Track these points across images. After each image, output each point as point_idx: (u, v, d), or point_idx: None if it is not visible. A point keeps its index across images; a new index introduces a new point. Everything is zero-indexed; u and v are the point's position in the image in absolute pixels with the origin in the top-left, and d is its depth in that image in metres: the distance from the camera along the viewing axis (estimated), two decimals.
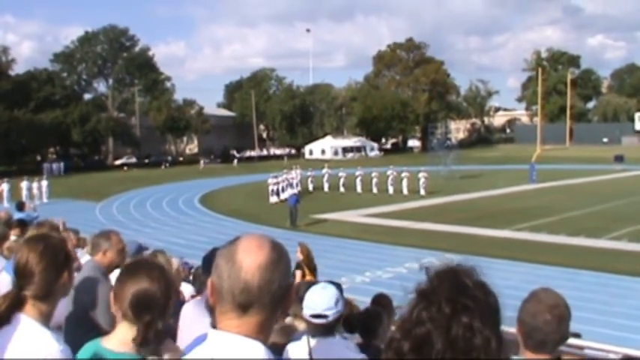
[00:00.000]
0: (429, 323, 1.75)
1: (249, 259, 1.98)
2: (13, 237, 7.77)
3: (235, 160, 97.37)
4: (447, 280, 1.82)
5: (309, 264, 12.68)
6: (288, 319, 4.68)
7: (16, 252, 3.27)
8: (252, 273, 1.96)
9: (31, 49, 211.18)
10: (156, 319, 2.86)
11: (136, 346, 2.83)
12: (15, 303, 3.00)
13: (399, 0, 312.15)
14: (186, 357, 2.18)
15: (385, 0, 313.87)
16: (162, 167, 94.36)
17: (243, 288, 1.96)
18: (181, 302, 4.92)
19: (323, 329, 3.81)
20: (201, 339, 2.11)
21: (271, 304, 2.00)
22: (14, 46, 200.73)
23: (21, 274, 3.09)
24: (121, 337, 2.88)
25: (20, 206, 17.48)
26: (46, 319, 3.05)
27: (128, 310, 2.87)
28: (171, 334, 3.20)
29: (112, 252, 5.44)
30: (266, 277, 1.97)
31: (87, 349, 2.94)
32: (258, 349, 1.98)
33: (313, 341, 3.76)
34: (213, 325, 2.07)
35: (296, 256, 12.24)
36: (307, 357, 3.65)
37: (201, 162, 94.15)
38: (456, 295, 1.76)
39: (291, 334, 4.12)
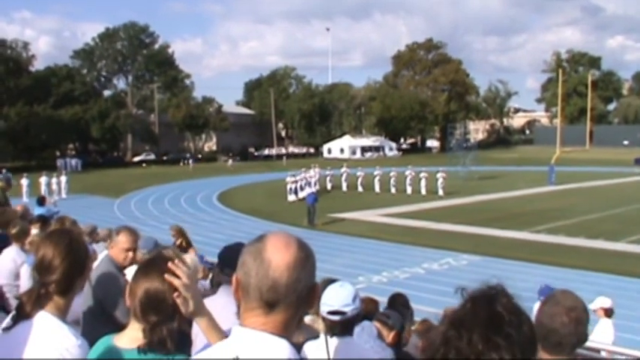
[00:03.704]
0: (455, 355, 1.72)
1: (278, 258, 1.99)
2: (34, 231, 7.83)
3: (230, 161, 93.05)
4: (482, 310, 1.77)
5: (188, 241, 12.68)
6: (307, 318, 4.68)
7: (39, 247, 3.27)
8: (280, 271, 1.98)
9: (48, 44, 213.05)
10: (163, 321, 2.82)
11: (142, 348, 2.82)
12: (39, 300, 3.02)
13: None
14: (209, 351, 2.19)
15: None
16: (182, 164, 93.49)
17: (271, 286, 1.97)
18: None
19: (341, 327, 3.81)
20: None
21: (297, 302, 2.02)
22: (32, 42, 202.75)
23: (45, 270, 3.09)
24: (132, 334, 2.87)
25: (41, 201, 17.59)
26: (63, 314, 3.06)
27: (137, 307, 2.87)
28: (186, 338, 3.17)
29: (126, 248, 5.47)
30: (294, 276, 1.99)
31: (99, 346, 2.95)
32: (284, 347, 1.99)
33: (332, 340, 3.76)
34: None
35: (173, 240, 12.21)
36: (325, 356, 3.65)
37: (190, 162, 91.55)
38: (489, 332, 1.71)
39: (308, 333, 4.13)
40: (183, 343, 3.00)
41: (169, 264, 2.82)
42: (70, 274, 3.09)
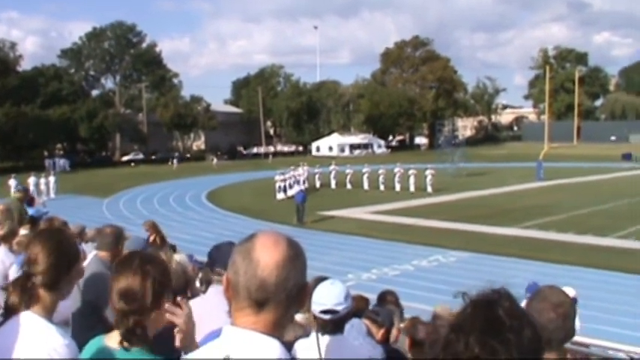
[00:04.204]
0: (452, 357, 1.72)
1: (266, 256, 1.99)
2: (23, 232, 7.81)
3: (215, 160, 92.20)
4: (481, 314, 1.76)
5: (162, 236, 12.65)
6: (298, 316, 4.69)
7: (28, 245, 3.27)
8: (269, 270, 1.97)
9: (34, 44, 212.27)
10: (131, 312, 2.81)
11: (124, 347, 2.80)
12: (24, 292, 3.03)
13: None
14: (200, 351, 2.19)
15: None
16: (170, 163, 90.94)
17: (259, 285, 1.97)
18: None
19: (332, 325, 3.82)
20: (215, 334, 2.12)
21: (287, 301, 2.02)
22: (18, 42, 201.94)
23: (32, 264, 3.10)
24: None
25: (30, 202, 17.47)
26: (49, 314, 3.05)
27: (116, 304, 2.85)
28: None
29: (119, 248, 5.47)
30: (282, 275, 1.98)
31: (91, 347, 2.93)
32: (275, 346, 1.99)
33: (323, 338, 3.77)
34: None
35: (147, 236, 12.15)
36: (317, 354, 3.66)
37: (175, 161, 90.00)
38: (487, 336, 1.70)
39: (299, 331, 4.14)
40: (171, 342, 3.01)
41: (167, 306, 2.91)
42: (56, 268, 3.10)
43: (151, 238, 12.13)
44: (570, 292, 10.40)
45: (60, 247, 3.16)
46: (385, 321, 5.27)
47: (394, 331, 5.54)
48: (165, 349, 3.00)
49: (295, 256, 2.05)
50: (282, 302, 2.01)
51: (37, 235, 3.35)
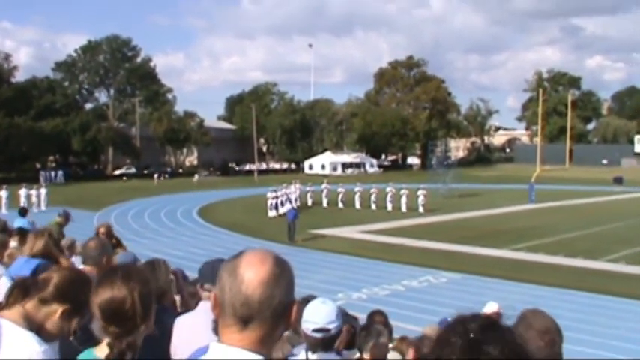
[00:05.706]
0: None
1: (251, 274, 1.99)
2: (13, 244, 7.78)
3: (196, 176, 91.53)
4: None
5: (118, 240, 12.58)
6: (287, 334, 4.68)
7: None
8: (253, 287, 1.97)
9: (28, 55, 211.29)
10: (127, 330, 2.79)
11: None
12: (27, 289, 3.06)
13: (399, 16, 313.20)
14: None
15: (384, 16, 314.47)
16: (156, 180, 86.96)
17: (243, 302, 1.97)
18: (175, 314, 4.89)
19: (323, 344, 3.82)
20: (202, 351, 2.11)
21: (272, 318, 2.01)
22: (12, 53, 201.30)
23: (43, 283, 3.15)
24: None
25: (23, 212, 17.47)
26: (25, 322, 3.01)
27: (99, 319, 2.82)
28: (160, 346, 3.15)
29: (105, 261, 5.45)
30: (267, 292, 1.98)
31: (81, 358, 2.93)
32: None
33: (313, 357, 3.76)
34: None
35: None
36: None
37: (155, 177, 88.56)
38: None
39: (288, 350, 4.13)
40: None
41: None
42: (62, 291, 3.12)
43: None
44: (493, 307, 10.32)
45: (75, 289, 3.19)
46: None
47: (375, 350, 5.53)
48: (154, 356, 2.98)
49: (281, 274, 2.05)
50: (267, 320, 2.01)
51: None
